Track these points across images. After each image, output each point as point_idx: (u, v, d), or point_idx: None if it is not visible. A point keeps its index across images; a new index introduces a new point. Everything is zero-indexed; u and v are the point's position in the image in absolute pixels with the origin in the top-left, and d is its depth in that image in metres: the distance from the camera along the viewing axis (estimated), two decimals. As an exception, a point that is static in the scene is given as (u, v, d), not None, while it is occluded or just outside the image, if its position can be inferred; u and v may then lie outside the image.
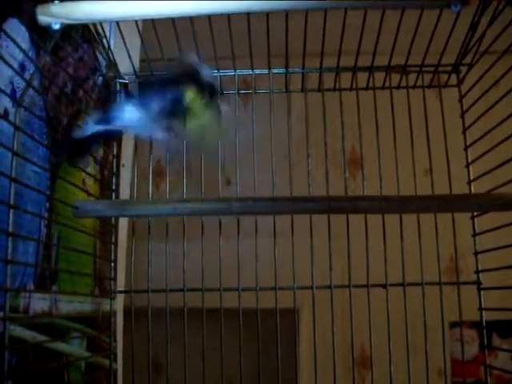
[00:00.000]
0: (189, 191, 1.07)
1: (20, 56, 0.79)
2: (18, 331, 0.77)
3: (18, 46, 0.76)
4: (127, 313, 1.12)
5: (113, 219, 1.12)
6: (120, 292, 1.13)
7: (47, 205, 0.87)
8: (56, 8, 0.76)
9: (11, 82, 0.77)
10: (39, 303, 0.84)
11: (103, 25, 1.03)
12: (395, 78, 1.12)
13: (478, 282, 1.05)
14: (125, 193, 1.24)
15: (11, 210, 0.71)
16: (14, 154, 0.72)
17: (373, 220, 1.04)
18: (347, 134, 1.10)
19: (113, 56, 1.09)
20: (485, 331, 1.04)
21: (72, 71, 0.97)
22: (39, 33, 0.82)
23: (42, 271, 0.86)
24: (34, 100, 0.83)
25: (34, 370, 0.81)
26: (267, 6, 0.80)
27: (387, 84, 1.13)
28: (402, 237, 1.05)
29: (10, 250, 0.71)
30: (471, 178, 1.05)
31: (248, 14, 0.91)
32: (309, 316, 1.98)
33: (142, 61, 1.22)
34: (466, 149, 1.07)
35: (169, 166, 1.05)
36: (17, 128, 0.73)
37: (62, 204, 0.91)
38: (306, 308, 2.31)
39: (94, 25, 1.02)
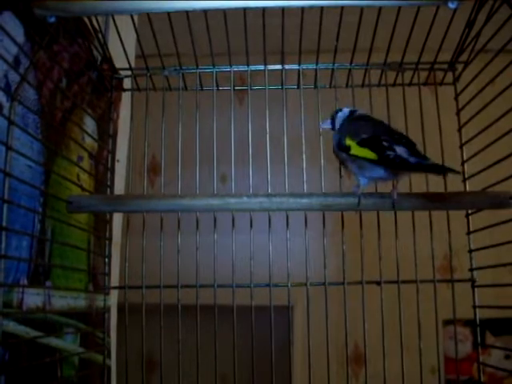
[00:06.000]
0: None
1: (15, 50, 0.79)
2: (12, 326, 0.76)
3: (13, 40, 0.76)
4: (121, 309, 1.12)
5: (107, 214, 1.12)
6: (114, 288, 1.13)
7: (41, 199, 0.87)
8: (52, 1, 0.75)
9: (6, 76, 0.77)
10: (33, 298, 0.84)
11: (99, 20, 1.02)
12: (391, 76, 1.12)
13: (472, 280, 1.05)
14: (119, 188, 1.24)
15: (5, 205, 0.71)
16: (8, 148, 0.72)
17: (367, 217, 1.04)
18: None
19: (108, 51, 1.09)
20: (478, 329, 1.04)
21: (67, 66, 0.96)
22: (34, 27, 0.82)
23: (36, 266, 0.86)
24: (28, 94, 0.83)
25: (28, 366, 0.80)
26: (263, 3, 0.80)
27: (383, 81, 1.13)
28: (396, 234, 1.06)
29: (3, 245, 0.71)
30: (466, 175, 1.06)
31: (244, 11, 0.91)
32: (303, 313, 1.97)
33: (137, 56, 1.22)
34: (461, 146, 1.07)
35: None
36: (11, 122, 0.73)
37: (57, 199, 0.90)
38: (300, 305, 2.32)
39: (90, 19, 1.02)
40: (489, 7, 0.91)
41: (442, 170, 0.82)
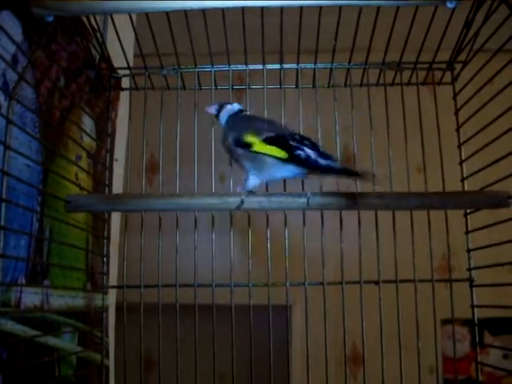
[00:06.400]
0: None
1: (13, 49, 0.78)
2: (9, 325, 0.76)
3: (11, 39, 0.76)
4: (119, 308, 1.12)
5: (105, 214, 1.12)
6: (112, 287, 1.13)
7: (39, 199, 0.87)
8: (50, 0, 0.75)
9: (4, 75, 0.77)
10: (31, 297, 0.83)
11: (97, 19, 1.02)
12: (389, 75, 1.12)
13: (470, 279, 1.05)
14: (118, 187, 1.23)
15: (3, 204, 0.71)
16: (7, 147, 0.72)
17: (366, 217, 1.04)
18: (341, 130, 1.10)
19: (106, 50, 1.08)
20: (476, 328, 1.04)
21: (65, 65, 0.96)
22: (32, 26, 0.82)
23: (34, 265, 0.86)
24: (26, 93, 0.83)
25: (25, 365, 0.80)
26: (262, 3, 0.80)
27: (381, 81, 1.13)
28: (394, 234, 1.06)
29: (1, 244, 0.71)
30: (464, 175, 1.06)
31: (243, 10, 0.91)
32: (301, 312, 1.98)
33: (136, 56, 1.22)
34: (459, 146, 1.07)
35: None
36: (9, 121, 0.73)
37: (55, 198, 0.90)
38: (299, 304, 2.32)
39: (88, 19, 1.02)
40: (487, 7, 0.91)
41: (352, 174, 0.82)
